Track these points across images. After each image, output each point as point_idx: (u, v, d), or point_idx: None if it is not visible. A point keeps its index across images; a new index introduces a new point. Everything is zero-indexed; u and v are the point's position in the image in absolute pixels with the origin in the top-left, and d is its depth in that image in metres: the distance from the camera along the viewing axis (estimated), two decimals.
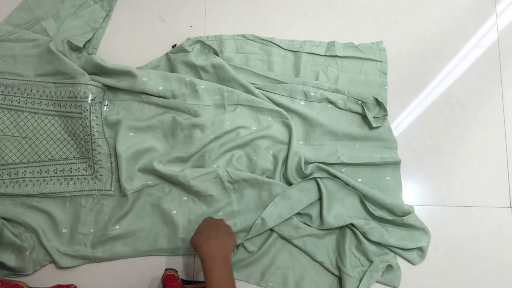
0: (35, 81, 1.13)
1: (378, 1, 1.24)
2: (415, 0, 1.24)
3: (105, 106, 1.13)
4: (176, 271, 0.97)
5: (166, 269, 0.96)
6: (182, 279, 0.97)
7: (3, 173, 1.08)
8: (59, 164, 1.09)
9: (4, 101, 1.13)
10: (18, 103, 1.13)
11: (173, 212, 1.05)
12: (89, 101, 1.08)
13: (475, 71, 1.18)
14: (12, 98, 1.13)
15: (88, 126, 1.07)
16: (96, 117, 1.09)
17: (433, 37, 1.21)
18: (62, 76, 1.12)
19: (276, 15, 1.23)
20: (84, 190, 1.06)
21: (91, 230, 1.05)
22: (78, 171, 1.08)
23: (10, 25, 1.21)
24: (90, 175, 1.08)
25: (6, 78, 1.14)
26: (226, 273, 0.81)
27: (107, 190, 1.07)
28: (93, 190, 1.06)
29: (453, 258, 1.05)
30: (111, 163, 1.09)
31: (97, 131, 1.08)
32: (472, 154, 1.12)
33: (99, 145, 1.07)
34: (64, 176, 1.08)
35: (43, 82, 1.13)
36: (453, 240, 1.05)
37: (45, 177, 1.08)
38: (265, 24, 1.23)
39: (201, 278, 1.03)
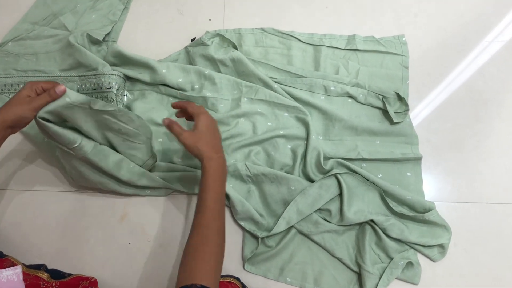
0: (59, 76, 1.13)
1: None
2: None
3: (125, 96, 1.13)
4: None
5: None
6: None
7: None
8: None
9: None
10: None
11: None
12: (114, 91, 1.08)
13: (496, 65, 1.16)
14: None
15: None
16: (122, 106, 1.10)
17: (454, 30, 1.19)
18: (84, 68, 1.12)
19: (295, 8, 1.22)
20: None
21: None
22: None
23: (28, 23, 1.22)
24: None
25: (30, 76, 1.14)
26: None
27: None
28: None
29: (474, 255, 1.04)
30: None
31: None
32: (494, 150, 1.10)
33: None
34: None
35: (68, 76, 1.13)
36: (474, 237, 1.04)
37: None
38: (285, 17, 1.22)
39: None
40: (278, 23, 1.21)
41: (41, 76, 1.13)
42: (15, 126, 0.80)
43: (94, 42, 1.16)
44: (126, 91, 1.13)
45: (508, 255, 1.03)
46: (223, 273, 1.00)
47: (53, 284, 0.92)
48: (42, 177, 1.11)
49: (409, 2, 1.22)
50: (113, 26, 1.21)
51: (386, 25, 1.20)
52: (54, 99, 0.78)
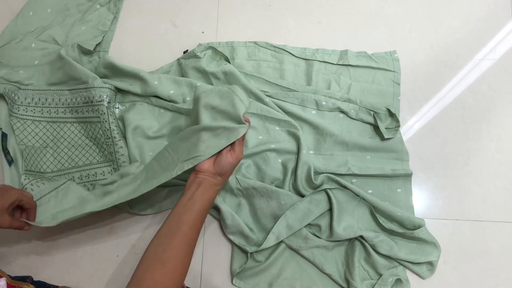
0: (49, 90, 1.13)
1: (392, 10, 1.23)
2: (429, 9, 1.23)
3: (117, 109, 1.13)
4: None
5: None
6: (187, 287, 0.96)
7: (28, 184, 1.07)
8: (83, 170, 1.09)
9: (19, 111, 1.11)
10: (34, 113, 1.12)
11: None
12: (105, 104, 1.07)
13: (487, 83, 1.17)
14: (26, 108, 1.12)
15: (108, 129, 1.07)
16: (114, 119, 1.09)
17: (447, 47, 1.20)
18: (74, 81, 1.11)
19: (289, 22, 1.22)
20: None
21: None
22: (103, 175, 1.08)
23: (16, 32, 1.21)
24: None
25: (20, 89, 1.13)
26: None
27: None
28: None
29: (463, 272, 1.03)
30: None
31: (117, 133, 1.08)
32: (484, 168, 1.10)
33: (121, 147, 1.07)
34: (90, 181, 1.08)
35: (58, 90, 1.12)
36: (463, 254, 1.04)
37: None
38: (278, 31, 1.22)
39: (206, 286, 1.02)
40: (271, 36, 1.21)
41: (30, 90, 1.12)
42: None
43: (85, 52, 1.16)
44: (117, 103, 1.13)
45: (497, 273, 1.04)
46: None
47: None
48: None
49: (403, 18, 1.22)
50: (103, 36, 1.21)
51: (379, 41, 1.20)
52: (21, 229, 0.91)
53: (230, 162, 0.85)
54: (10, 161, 1.07)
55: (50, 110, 1.12)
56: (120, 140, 1.08)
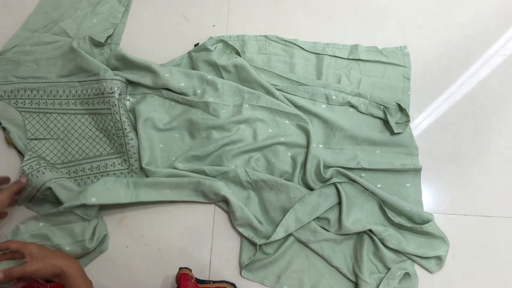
0: (60, 82, 1.14)
1: (403, 5, 1.23)
2: (440, 5, 1.23)
3: (128, 101, 1.14)
4: (190, 270, 0.96)
5: (180, 268, 0.96)
6: (196, 278, 0.97)
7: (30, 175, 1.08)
8: (94, 162, 1.10)
9: (32, 105, 1.13)
10: (46, 105, 1.13)
11: None
12: (116, 96, 1.08)
13: (498, 79, 1.17)
14: (39, 101, 1.13)
15: (119, 121, 1.08)
16: (125, 111, 1.10)
17: (457, 43, 1.20)
18: (85, 74, 1.13)
19: (299, 16, 1.23)
20: None
21: None
22: (114, 166, 1.09)
23: (28, 31, 1.23)
24: (126, 169, 1.09)
25: (30, 82, 1.14)
26: None
27: None
28: None
29: (472, 268, 1.03)
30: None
31: (128, 125, 1.09)
32: (493, 163, 1.10)
33: (132, 139, 1.08)
34: (101, 172, 1.09)
35: (68, 82, 1.13)
36: (472, 249, 1.04)
37: (82, 175, 1.09)
38: (288, 25, 1.22)
39: (215, 278, 1.03)
40: (282, 30, 1.21)
41: (40, 82, 1.14)
42: None
43: (97, 44, 1.17)
44: (128, 96, 1.14)
45: (505, 269, 1.03)
46: (218, 279, 1.00)
47: (48, 286, 0.92)
48: None
49: (414, 14, 1.22)
50: (114, 29, 1.21)
51: (390, 36, 1.20)
52: (21, 187, 0.99)
53: None
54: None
55: (61, 102, 1.13)
56: (130, 132, 1.08)
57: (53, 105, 1.13)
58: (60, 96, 1.13)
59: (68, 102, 1.13)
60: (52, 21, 1.23)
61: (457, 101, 1.15)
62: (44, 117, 1.13)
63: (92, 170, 1.09)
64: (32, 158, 1.05)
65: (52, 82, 1.14)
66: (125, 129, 1.08)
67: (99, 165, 1.09)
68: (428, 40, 1.20)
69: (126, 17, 1.25)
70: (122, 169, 1.09)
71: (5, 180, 1.05)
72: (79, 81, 1.13)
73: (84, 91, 1.12)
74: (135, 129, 1.10)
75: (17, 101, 1.13)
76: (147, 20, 1.24)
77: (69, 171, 1.09)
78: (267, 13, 1.23)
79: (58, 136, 1.12)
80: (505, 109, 1.14)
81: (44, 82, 1.14)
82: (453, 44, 1.20)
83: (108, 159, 1.10)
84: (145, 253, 1.05)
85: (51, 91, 1.13)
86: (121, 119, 1.08)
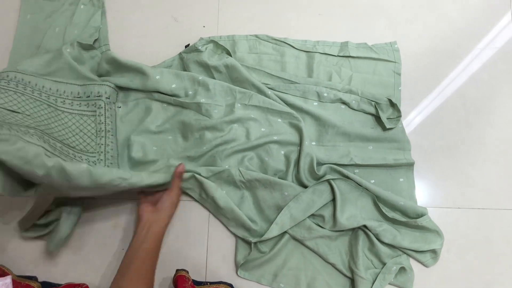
0: (46, 78, 1.10)
1: (391, 1, 1.23)
2: (428, 0, 1.23)
3: (119, 108, 1.14)
4: (187, 272, 0.97)
5: (177, 270, 0.96)
6: (193, 280, 0.97)
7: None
8: (64, 146, 1.01)
9: (17, 87, 1.05)
10: (33, 92, 1.07)
11: None
12: (103, 99, 1.08)
13: (488, 72, 1.17)
14: (25, 86, 1.06)
15: (102, 123, 1.08)
16: (111, 115, 1.10)
17: (447, 37, 1.20)
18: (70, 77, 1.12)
19: (289, 14, 1.23)
20: None
21: None
22: (81, 160, 1.04)
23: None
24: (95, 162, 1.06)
25: (20, 72, 1.08)
26: None
27: None
28: None
29: (467, 260, 1.04)
30: (118, 164, 1.09)
31: (111, 128, 1.09)
32: (485, 156, 1.11)
33: (112, 142, 1.08)
34: (70, 155, 1.01)
35: (55, 81, 1.11)
36: (466, 242, 1.05)
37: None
38: (278, 24, 1.22)
39: (211, 278, 1.03)
40: (272, 29, 1.21)
41: (26, 74, 1.08)
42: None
43: (86, 48, 1.16)
44: (119, 103, 1.14)
45: (499, 260, 1.04)
46: (215, 280, 1.01)
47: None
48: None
49: (402, 9, 1.23)
50: (98, 32, 1.21)
51: (379, 32, 1.21)
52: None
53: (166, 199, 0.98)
54: None
55: (48, 96, 1.09)
56: (113, 135, 1.09)
57: (40, 96, 1.07)
58: (46, 91, 1.09)
59: (54, 97, 1.09)
60: (35, 47, 1.21)
61: (447, 94, 1.15)
62: (23, 97, 1.04)
63: (62, 152, 0.99)
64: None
65: (38, 75, 1.09)
66: (108, 131, 1.08)
67: (68, 151, 1.01)
68: (418, 34, 1.21)
69: (105, 17, 1.23)
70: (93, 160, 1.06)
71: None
72: (66, 83, 1.11)
73: (68, 92, 1.10)
74: (116, 137, 1.11)
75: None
76: (136, 23, 1.23)
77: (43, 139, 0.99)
78: (257, 13, 1.23)
79: (30, 114, 1.02)
80: (496, 101, 1.15)
81: (29, 75, 1.08)
82: (443, 38, 1.20)
83: (78, 155, 1.04)
84: None
85: (36, 83, 1.08)
86: (105, 121, 1.08)
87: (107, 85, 1.09)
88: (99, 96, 1.08)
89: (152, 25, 1.23)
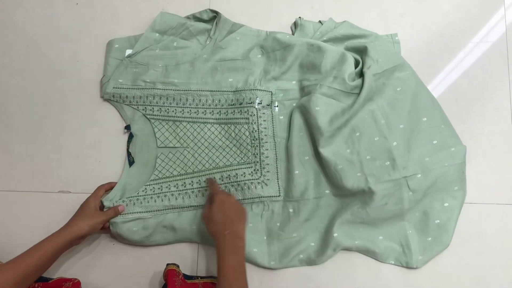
0: (190, 90, 1.11)
1: None
2: None
3: (276, 108, 1.12)
4: (178, 266, 0.96)
5: (167, 264, 0.96)
6: (184, 274, 0.97)
7: (170, 185, 1.06)
8: (224, 171, 1.07)
9: (160, 112, 1.10)
10: (175, 113, 1.10)
11: None
12: (256, 106, 1.08)
13: (482, 66, 1.17)
14: (168, 109, 1.10)
15: (256, 131, 1.07)
16: (265, 120, 1.09)
17: (440, 30, 1.20)
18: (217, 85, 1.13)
19: (281, 7, 1.21)
20: (254, 197, 1.05)
21: (264, 238, 1.05)
22: (244, 176, 1.06)
23: (155, 33, 1.16)
24: (256, 179, 1.06)
25: (159, 89, 1.11)
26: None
27: (275, 196, 1.06)
28: (261, 196, 1.05)
29: (458, 255, 1.04)
30: (276, 167, 1.08)
31: (265, 135, 1.08)
32: (478, 150, 1.11)
33: (267, 149, 1.07)
34: (231, 182, 1.06)
35: (198, 91, 1.11)
36: (458, 237, 1.04)
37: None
38: (270, 16, 1.21)
39: (202, 273, 1.03)
40: (264, 22, 1.20)
41: (169, 90, 1.10)
42: (84, 236, 0.96)
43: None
44: (276, 102, 1.12)
45: (490, 255, 1.05)
46: (206, 274, 1.01)
47: (36, 285, 0.92)
48: (26, 177, 1.10)
49: (395, 2, 1.22)
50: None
51: (372, 25, 1.19)
52: (118, 215, 1.01)
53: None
54: (131, 162, 1.08)
55: (190, 110, 1.10)
56: (267, 142, 1.08)
57: (182, 113, 1.10)
58: (190, 105, 1.11)
59: (197, 110, 1.11)
60: (179, 24, 1.17)
61: (440, 88, 1.15)
62: (174, 125, 1.10)
63: (222, 180, 1.07)
64: (157, 179, 1.07)
65: (182, 90, 1.11)
66: (262, 139, 1.07)
67: (229, 175, 1.07)
68: (411, 28, 1.20)
69: None
70: (252, 179, 1.06)
71: (111, 186, 1.06)
72: (210, 91, 1.11)
73: (216, 101, 1.11)
74: (274, 140, 1.09)
75: (145, 108, 1.10)
76: (128, 15, 1.21)
77: (199, 181, 1.07)
78: (248, 5, 1.22)
79: (187, 144, 1.09)
80: (488, 95, 1.15)
81: (173, 90, 1.11)
82: (435, 31, 1.19)
83: (239, 168, 1.07)
84: (133, 250, 1.05)
85: (180, 99, 1.10)
86: (258, 129, 1.07)
87: (258, 89, 1.10)
88: (251, 103, 1.09)
89: (143, 17, 1.19)
